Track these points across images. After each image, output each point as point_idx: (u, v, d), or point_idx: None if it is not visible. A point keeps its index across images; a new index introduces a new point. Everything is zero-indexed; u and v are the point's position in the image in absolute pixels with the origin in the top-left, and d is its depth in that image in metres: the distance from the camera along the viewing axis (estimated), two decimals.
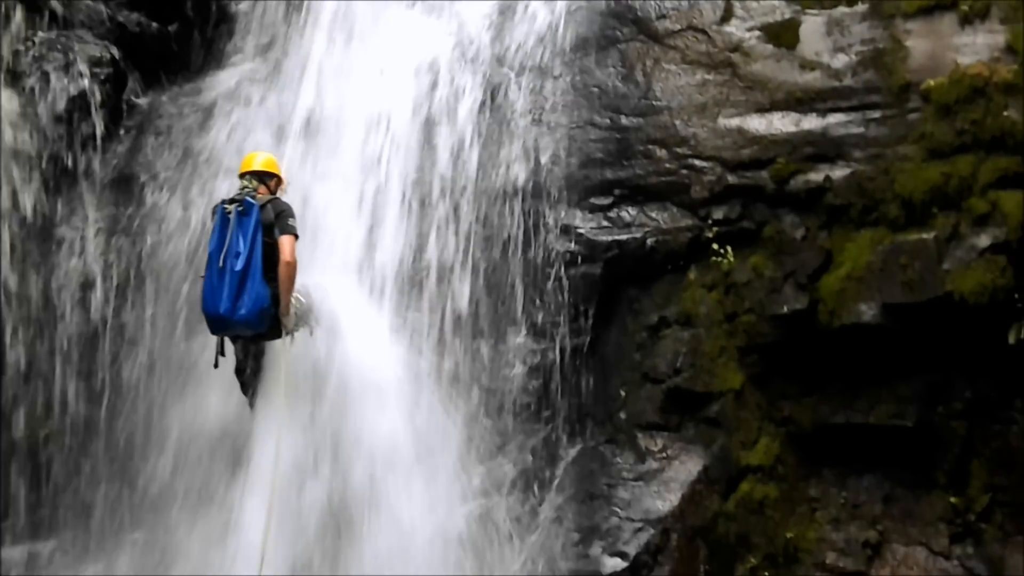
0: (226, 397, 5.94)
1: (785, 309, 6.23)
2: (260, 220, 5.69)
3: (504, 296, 6.44)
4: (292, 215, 5.86)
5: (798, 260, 6.31)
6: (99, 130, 6.74)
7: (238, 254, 5.60)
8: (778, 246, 6.39)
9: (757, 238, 6.42)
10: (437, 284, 6.31)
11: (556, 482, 6.36)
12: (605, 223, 6.53)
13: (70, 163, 6.67)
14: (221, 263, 5.56)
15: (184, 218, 6.58)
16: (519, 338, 6.45)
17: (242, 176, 6.01)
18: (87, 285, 6.50)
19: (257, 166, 5.98)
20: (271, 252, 5.71)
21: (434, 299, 6.30)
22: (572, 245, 6.49)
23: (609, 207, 6.55)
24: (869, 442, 6.20)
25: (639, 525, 6.18)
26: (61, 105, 6.63)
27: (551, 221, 6.51)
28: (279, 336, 5.75)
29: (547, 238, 6.48)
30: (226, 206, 5.77)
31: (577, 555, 6.18)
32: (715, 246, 6.45)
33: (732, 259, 6.42)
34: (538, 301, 6.47)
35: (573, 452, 6.42)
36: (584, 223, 6.52)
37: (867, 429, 6.16)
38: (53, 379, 6.40)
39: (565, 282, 6.44)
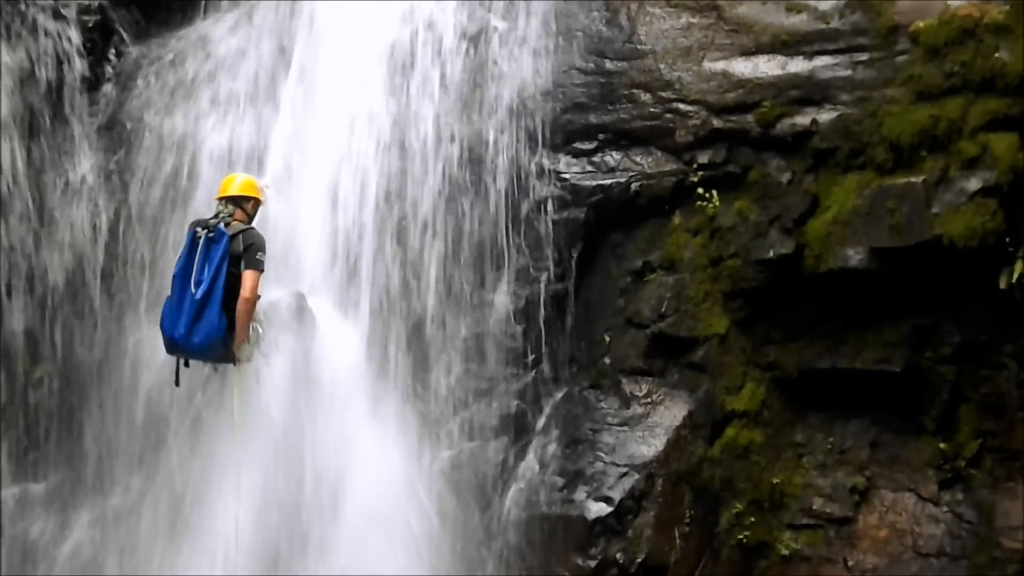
0: None
1: (771, 254, 6.16)
2: (228, 250, 5.65)
3: (488, 241, 6.35)
4: (262, 248, 5.80)
5: (784, 204, 6.24)
6: (86, 78, 6.68)
7: (200, 282, 5.58)
8: (763, 190, 6.31)
9: (742, 182, 6.35)
10: (420, 230, 6.26)
11: (540, 427, 6.33)
12: (589, 168, 6.48)
13: (59, 111, 6.63)
14: (183, 287, 5.54)
15: (171, 163, 6.56)
16: (502, 283, 6.37)
17: (219, 200, 5.89)
18: (77, 228, 6.51)
19: (235, 191, 5.88)
20: (235, 283, 5.65)
21: (416, 242, 6.27)
22: (556, 190, 6.44)
23: (593, 152, 6.49)
24: (856, 387, 6.14)
25: (624, 470, 6.16)
26: (49, 53, 6.62)
27: (535, 166, 6.42)
28: (231, 362, 5.75)
29: (531, 183, 6.41)
30: (198, 229, 5.71)
31: (562, 500, 6.15)
32: (700, 190, 6.39)
33: (717, 203, 6.36)
34: (522, 246, 6.40)
35: (557, 397, 6.40)
36: (568, 168, 6.47)
37: (853, 374, 6.10)
38: (44, 322, 6.39)
39: (549, 227, 6.38)
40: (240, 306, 5.69)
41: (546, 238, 6.37)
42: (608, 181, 6.44)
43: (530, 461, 6.24)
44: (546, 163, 6.45)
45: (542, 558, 6.05)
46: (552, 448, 6.24)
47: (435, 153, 6.42)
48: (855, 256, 5.97)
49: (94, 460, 6.17)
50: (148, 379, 6.19)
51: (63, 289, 6.39)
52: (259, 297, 5.76)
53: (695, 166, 6.40)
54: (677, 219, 6.44)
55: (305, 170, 6.46)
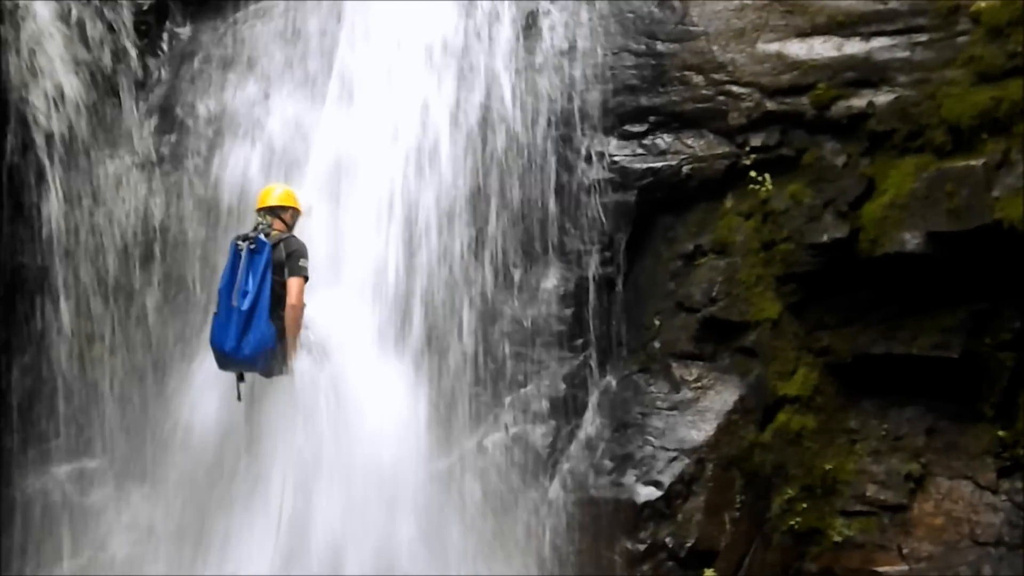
0: None
1: (825, 237, 6.09)
2: (271, 259, 5.66)
3: (537, 224, 6.35)
4: (304, 255, 5.83)
5: (838, 187, 6.17)
6: (139, 60, 6.79)
7: (246, 293, 5.60)
8: (818, 173, 6.25)
9: (796, 165, 6.29)
10: (472, 211, 6.27)
11: (589, 410, 6.33)
12: (640, 150, 6.45)
13: (112, 93, 6.72)
14: (230, 301, 5.55)
15: (221, 147, 6.64)
16: (552, 266, 6.39)
17: (259, 211, 5.91)
18: (129, 211, 6.62)
19: (273, 201, 5.91)
20: (281, 291, 5.68)
21: (466, 226, 6.28)
22: (606, 173, 6.43)
23: (644, 134, 6.45)
24: (911, 373, 6.03)
25: (673, 454, 6.14)
26: (104, 35, 6.71)
27: (585, 149, 6.41)
28: (283, 372, 5.71)
29: (581, 166, 6.40)
30: (239, 243, 5.72)
31: (611, 483, 6.15)
32: (752, 173, 6.34)
33: (770, 186, 6.30)
34: (571, 229, 6.39)
35: (606, 381, 6.39)
36: (618, 150, 6.45)
37: (909, 360, 5.99)
38: (98, 304, 6.47)
39: (598, 210, 6.37)
40: (288, 313, 5.73)
41: (595, 221, 6.37)
42: (659, 164, 6.40)
43: (579, 444, 6.25)
44: (596, 146, 6.43)
45: (591, 541, 6.05)
46: (601, 432, 6.24)
47: (483, 136, 6.39)
48: (912, 240, 5.86)
49: (149, 438, 6.22)
50: (201, 358, 6.33)
51: (116, 270, 6.50)
52: (305, 305, 5.74)
53: (748, 149, 6.35)
54: (729, 202, 6.40)
55: (355, 152, 6.41)
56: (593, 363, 6.35)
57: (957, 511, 5.87)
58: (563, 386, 6.31)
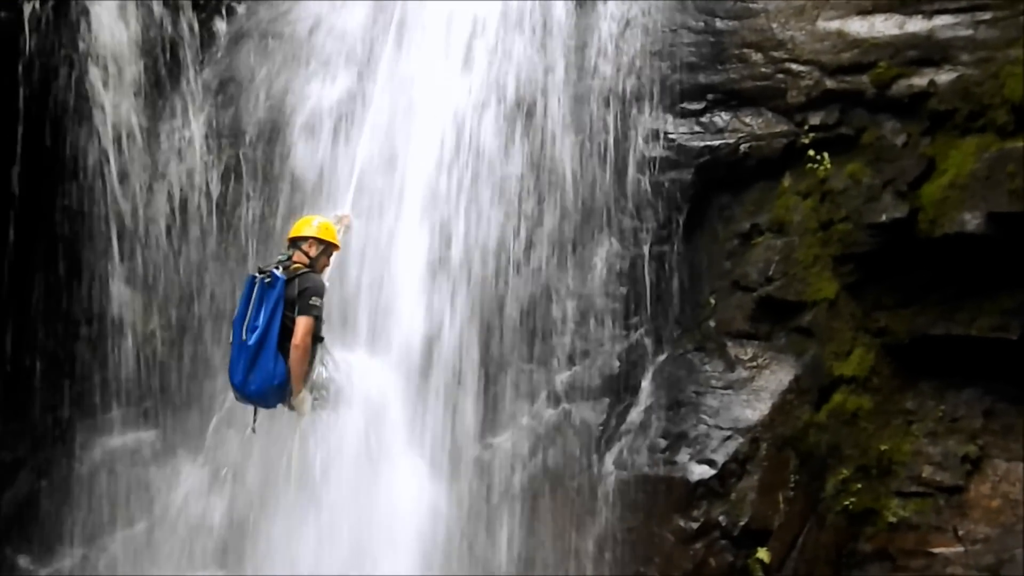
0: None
1: (883, 217, 6.03)
2: (283, 295, 5.51)
3: (593, 202, 6.35)
4: (317, 293, 5.63)
5: (898, 167, 6.09)
6: (198, 36, 6.75)
7: (255, 328, 5.46)
8: (877, 153, 6.17)
9: (855, 144, 6.21)
10: (527, 187, 6.27)
11: (643, 389, 6.31)
12: (697, 128, 6.41)
13: (170, 67, 6.74)
14: (241, 334, 5.45)
15: (279, 120, 6.66)
16: (607, 244, 6.36)
17: (288, 241, 5.75)
18: (187, 184, 6.61)
19: (307, 232, 5.68)
20: (291, 326, 5.52)
21: (521, 202, 6.28)
22: (663, 151, 6.39)
23: (702, 112, 6.42)
24: (970, 355, 5.99)
25: (728, 433, 6.11)
26: (164, 10, 6.67)
27: (642, 126, 6.37)
28: (290, 408, 5.61)
29: (637, 143, 6.36)
30: (255, 275, 5.59)
31: (664, 461, 6.13)
32: (811, 152, 6.27)
33: (828, 166, 6.22)
34: (627, 207, 6.37)
35: (660, 359, 6.38)
36: (675, 128, 6.41)
37: (968, 341, 5.94)
38: (154, 277, 6.52)
39: (655, 188, 6.32)
40: (291, 353, 5.54)
41: (652, 199, 6.32)
42: (716, 142, 6.36)
43: (632, 422, 6.24)
44: (653, 124, 6.38)
45: (643, 519, 6.05)
46: (655, 410, 6.22)
47: (538, 112, 6.36)
48: (972, 221, 5.78)
49: (204, 412, 6.32)
50: None
51: (175, 243, 6.54)
52: (323, 339, 5.57)
53: (806, 127, 6.27)
54: (787, 181, 6.34)
55: (409, 128, 6.44)
56: (648, 341, 6.34)
57: (1014, 493, 5.83)
58: (617, 364, 6.30)
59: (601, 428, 6.23)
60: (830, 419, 6.13)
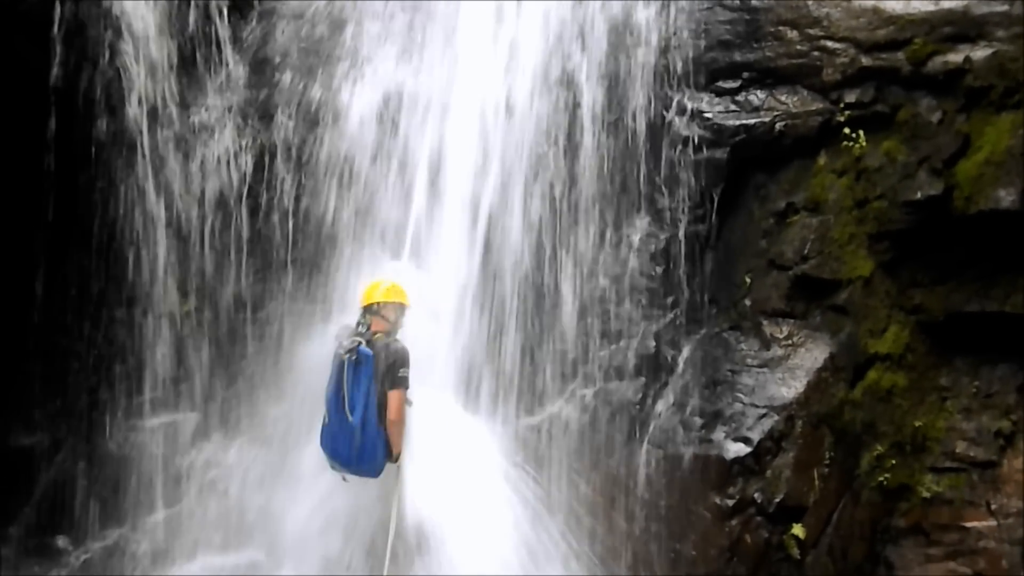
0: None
1: (919, 195, 6.05)
2: (372, 371, 5.66)
3: (627, 181, 6.29)
4: (404, 363, 5.77)
5: (934, 144, 6.11)
6: (233, 14, 6.63)
7: (354, 408, 5.63)
8: (913, 130, 6.17)
9: (891, 122, 6.21)
10: (561, 167, 6.19)
11: (679, 368, 6.33)
12: (732, 107, 6.36)
13: (203, 47, 6.61)
14: (340, 413, 5.57)
15: (315, 99, 6.52)
16: (642, 224, 6.34)
17: (362, 309, 5.81)
18: (220, 164, 6.52)
19: (378, 298, 5.80)
20: (385, 400, 5.70)
21: (556, 182, 6.22)
22: (698, 130, 6.34)
23: (737, 91, 6.36)
24: (1004, 331, 6.04)
25: (763, 411, 6.14)
26: None
27: (676, 105, 6.32)
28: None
29: (672, 122, 6.31)
30: (341, 353, 5.72)
31: (700, 439, 6.16)
32: (846, 130, 6.26)
33: (864, 144, 6.23)
34: (662, 186, 6.33)
35: (696, 338, 6.37)
36: (711, 107, 6.36)
37: (1003, 318, 6.00)
38: (188, 257, 6.44)
39: (690, 167, 6.30)
40: (390, 428, 5.75)
41: (687, 179, 6.28)
42: (752, 121, 6.32)
43: (668, 401, 6.25)
44: (688, 102, 6.33)
45: (679, 497, 6.07)
46: (690, 389, 6.23)
47: (572, 90, 6.28)
48: (1007, 198, 5.81)
49: (240, 395, 6.31)
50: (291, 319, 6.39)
51: (207, 223, 6.47)
52: (411, 403, 5.72)
53: (842, 105, 6.25)
54: (822, 160, 6.32)
55: (448, 100, 6.31)
56: (683, 321, 6.33)
57: None
58: (653, 343, 6.29)
59: (637, 407, 6.23)
60: (865, 396, 6.19)
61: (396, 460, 5.77)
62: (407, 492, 5.67)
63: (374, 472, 5.76)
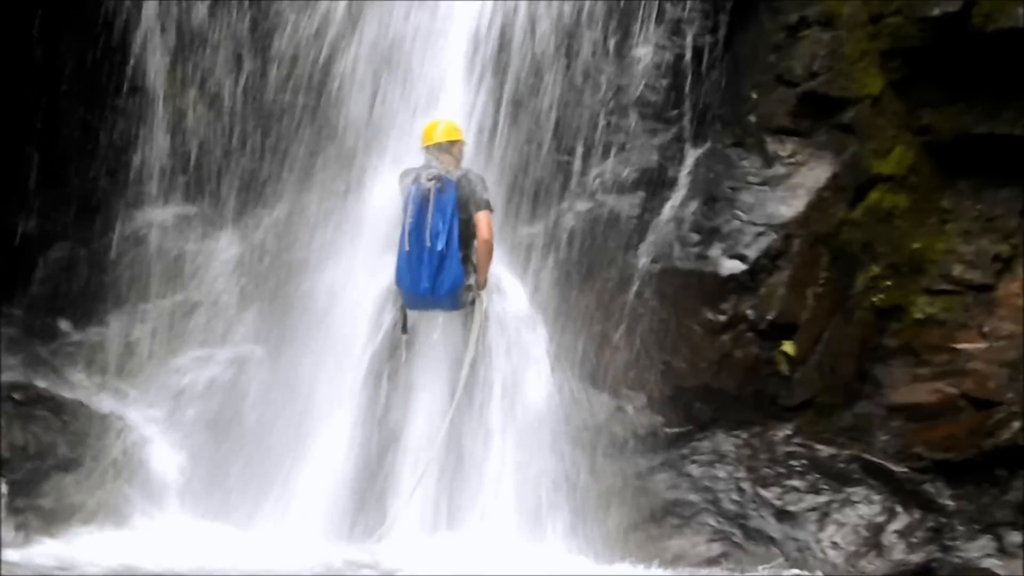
0: None
1: (936, 11, 5.85)
2: (457, 198, 5.77)
3: None
4: (485, 187, 5.90)
5: None
6: None
7: (438, 234, 5.71)
8: None
9: None
10: None
11: (679, 183, 6.28)
12: None
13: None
14: (423, 241, 5.63)
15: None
16: (649, 34, 6.19)
17: (426, 148, 5.89)
18: None
19: (440, 137, 5.87)
20: (464, 229, 5.80)
21: None
22: None
23: None
24: (1011, 155, 5.90)
25: (761, 229, 6.10)
26: None
27: None
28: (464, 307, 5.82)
29: None
30: (424, 183, 5.79)
31: (695, 255, 6.15)
32: None
33: None
34: None
35: (698, 154, 6.30)
36: None
37: (1011, 141, 5.88)
38: (191, 49, 6.25)
39: None
40: (481, 247, 5.87)
41: None
42: None
43: (666, 216, 6.23)
44: None
45: (673, 311, 6.10)
46: (689, 204, 6.19)
47: None
48: None
49: (241, 189, 6.27)
50: None
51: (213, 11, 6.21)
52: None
53: None
54: None
55: None
56: (687, 135, 6.26)
57: None
58: (655, 157, 6.25)
59: (635, 221, 6.21)
60: (865, 217, 6.13)
61: (483, 286, 5.81)
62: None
63: (455, 303, 5.82)
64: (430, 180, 5.78)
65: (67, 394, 6.02)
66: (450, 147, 5.96)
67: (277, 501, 5.96)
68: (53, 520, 5.49)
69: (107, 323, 6.20)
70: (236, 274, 6.21)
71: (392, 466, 5.99)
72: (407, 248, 5.78)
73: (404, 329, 5.99)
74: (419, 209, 5.77)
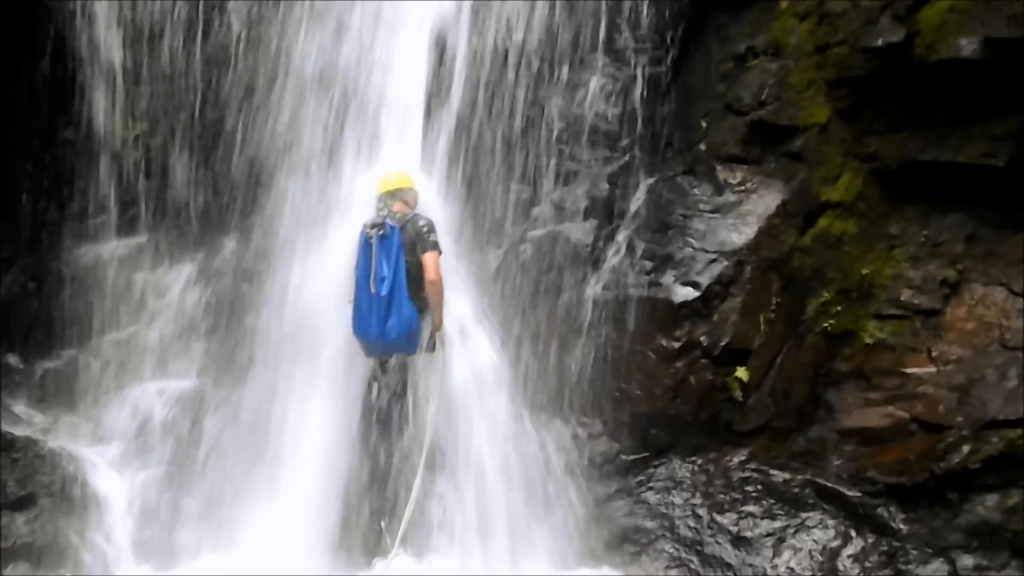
0: None
1: (880, 42, 5.97)
2: (402, 242, 5.78)
3: (586, 20, 6.21)
4: (433, 229, 5.91)
5: None
6: None
7: (383, 279, 5.73)
8: None
9: None
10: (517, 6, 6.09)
11: (631, 211, 6.34)
12: None
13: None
14: (368, 289, 5.66)
15: None
16: (599, 64, 6.28)
17: (379, 197, 5.94)
18: None
19: (390, 186, 5.92)
20: (416, 271, 5.81)
21: (512, 20, 6.10)
22: None
23: None
24: (957, 181, 6.01)
25: (713, 256, 6.19)
26: None
27: None
28: (432, 350, 5.84)
29: None
30: (367, 231, 5.85)
31: (649, 283, 6.21)
32: None
33: None
34: (621, 25, 6.28)
35: (650, 182, 6.36)
36: None
37: (956, 168, 5.95)
38: (137, 82, 6.30)
39: (650, 6, 6.21)
40: (429, 289, 5.85)
41: (647, 18, 6.22)
42: None
43: (619, 244, 6.28)
44: None
45: (627, 338, 6.13)
46: (642, 232, 6.25)
47: None
48: (968, 46, 5.74)
49: (194, 219, 6.27)
50: None
51: (161, 43, 6.18)
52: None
53: None
54: (785, 3, 6.28)
55: None
56: (638, 164, 6.32)
57: (989, 316, 5.94)
58: (606, 186, 6.31)
59: (588, 249, 6.26)
60: (815, 243, 6.21)
61: (439, 328, 5.80)
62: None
63: (406, 345, 5.80)
64: (372, 228, 5.83)
65: (16, 431, 5.92)
66: (402, 194, 5.96)
67: (235, 533, 5.92)
68: (5, 560, 5.43)
69: (57, 356, 6.16)
70: (188, 306, 6.19)
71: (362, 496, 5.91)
72: (355, 298, 5.81)
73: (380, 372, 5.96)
74: (365, 257, 5.82)
